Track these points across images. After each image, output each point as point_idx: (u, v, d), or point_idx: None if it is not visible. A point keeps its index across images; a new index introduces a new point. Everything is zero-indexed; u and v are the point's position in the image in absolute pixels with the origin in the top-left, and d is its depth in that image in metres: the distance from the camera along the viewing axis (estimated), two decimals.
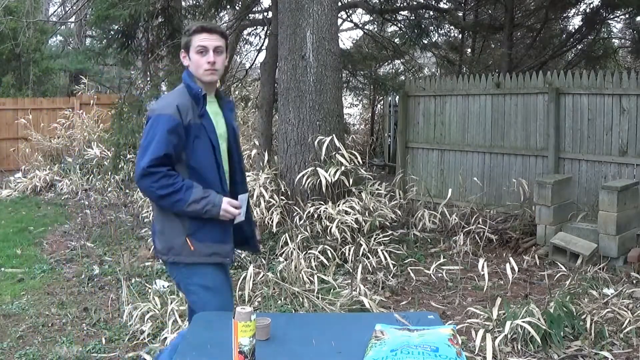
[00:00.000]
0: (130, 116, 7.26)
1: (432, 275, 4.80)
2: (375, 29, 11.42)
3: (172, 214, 2.33)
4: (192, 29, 2.39)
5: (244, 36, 11.42)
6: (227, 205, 2.30)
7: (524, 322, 3.43)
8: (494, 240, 5.72)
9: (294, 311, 3.92)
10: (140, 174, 2.26)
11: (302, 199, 5.55)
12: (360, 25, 11.52)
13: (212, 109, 2.44)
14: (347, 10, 10.21)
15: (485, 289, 4.44)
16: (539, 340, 3.37)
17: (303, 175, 5.47)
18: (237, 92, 10.78)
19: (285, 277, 4.37)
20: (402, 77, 10.47)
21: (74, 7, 15.08)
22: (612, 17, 10.16)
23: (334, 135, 5.57)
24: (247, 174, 3.96)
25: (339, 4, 7.79)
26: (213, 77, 2.41)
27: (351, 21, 11.64)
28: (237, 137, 2.53)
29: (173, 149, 2.27)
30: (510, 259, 4.41)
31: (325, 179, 5.29)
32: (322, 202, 5.37)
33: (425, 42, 9.48)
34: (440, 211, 6.17)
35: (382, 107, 12.91)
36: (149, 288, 4.39)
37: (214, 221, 2.33)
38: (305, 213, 5.31)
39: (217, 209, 2.27)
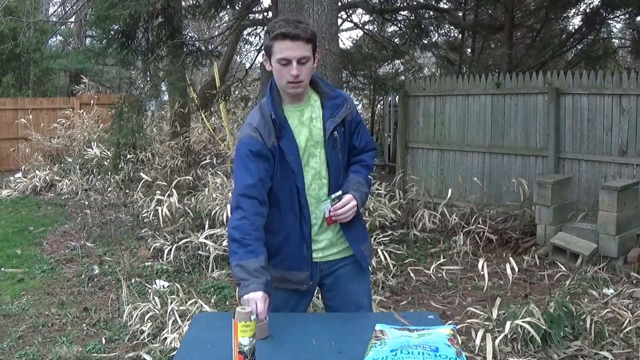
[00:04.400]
0: (130, 116, 7.25)
1: (432, 275, 4.81)
2: (375, 29, 11.42)
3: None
4: (273, 34, 2.03)
5: (244, 36, 11.44)
6: (253, 300, 1.89)
7: (524, 322, 3.43)
8: (494, 240, 5.72)
9: None
10: (232, 206, 2.08)
11: None
12: (360, 25, 11.54)
13: (301, 117, 2.17)
14: (347, 10, 10.22)
15: (485, 289, 4.44)
16: (539, 340, 3.38)
17: None
18: (237, 92, 10.79)
19: None
20: (402, 77, 10.48)
21: (74, 7, 15.11)
22: (612, 17, 10.16)
23: None
24: None
25: (339, 4, 7.78)
26: (297, 90, 2.09)
27: (351, 21, 11.67)
28: (344, 139, 2.19)
29: (264, 175, 2.06)
30: (510, 259, 4.41)
31: None
32: None
33: (425, 42, 9.48)
34: (440, 211, 6.17)
35: (382, 107, 12.91)
36: (149, 288, 4.39)
37: (289, 248, 2.16)
38: None
39: (244, 293, 1.93)
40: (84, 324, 4.02)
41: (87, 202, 8.06)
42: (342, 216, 2.12)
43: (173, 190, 6.04)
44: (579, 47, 10.55)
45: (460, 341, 1.78)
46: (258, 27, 10.07)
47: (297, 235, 2.15)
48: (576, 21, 11.60)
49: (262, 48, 2.21)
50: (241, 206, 2.02)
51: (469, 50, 11.54)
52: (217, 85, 9.91)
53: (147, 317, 3.80)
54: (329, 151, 2.16)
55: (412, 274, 4.81)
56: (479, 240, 5.63)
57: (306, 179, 2.15)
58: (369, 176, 2.30)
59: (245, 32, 10.85)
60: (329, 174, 2.17)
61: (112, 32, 7.63)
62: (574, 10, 10.60)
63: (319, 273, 2.24)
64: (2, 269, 5.35)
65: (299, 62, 2.03)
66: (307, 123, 2.17)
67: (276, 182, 2.11)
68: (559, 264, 4.84)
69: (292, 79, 2.05)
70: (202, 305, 3.81)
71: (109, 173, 8.65)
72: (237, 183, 2.07)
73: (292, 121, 2.15)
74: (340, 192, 2.14)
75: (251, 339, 1.65)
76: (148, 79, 8.45)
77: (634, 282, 4.65)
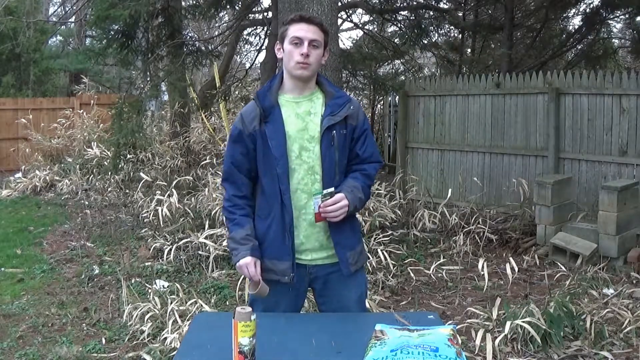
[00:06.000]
0: (130, 116, 7.25)
1: (432, 275, 4.81)
2: (375, 29, 11.42)
3: None
4: (289, 18, 2.18)
5: (244, 36, 11.44)
6: (244, 265, 2.14)
7: (524, 322, 3.43)
8: (494, 240, 5.72)
9: None
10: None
11: None
12: (360, 25, 11.54)
13: (297, 108, 2.20)
14: (347, 10, 10.22)
15: (485, 289, 4.44)
16: (539, 340, 3.37)
17: None
18: (237, 92, 10.79)
19: None
20: (402, 77, 10.48)
21: (74, 7, 15.11)
22: (612, 17, 10.16)
23: None
24: None
25: (339, 4, 7.79)
26: (304, 72, 2.14)
27: (351, 21, 11.67)
28: (343, 140, 2.20)
29: (240, 159, 2.20)
30: (510, 259, 4.41)
31: None
32: None
33: (425, 42, 9.48)
34: (440, 211, 6.16)
35: (382, 107, 12.91)
36: (149, 288, 4.39)
37: (272, 236, 2.19)
38: None
39: (236, 261, 2.17)
40: (84, 324, 4.02)
41: (87, 202, 8.06)
42: (332, 214, 2.11)
43: (173, 190, 6.04)
44: (579, 47, 10.55)
45: (460, 341, 1.78)
46: (258, 27, 10.07)
47: (279, 223, 2.18)
48: (576, 21, 11.60)
49: (278, 38, 2.25)
50: (225, 189, 2.29)
51: (469, 50, 11.54)
52: (217, 85, 9.92)
53: (147, 317, 3.80)
54: (324, 148, 2.17)
55: (412, 274, 4.81)
56: (479, 240, 5.63)
57: (298, 172, 2.18)
58: (369, 186, 2.28)
59: (245, 32, 10.86)
60: (322, 170, 2.18)
61: (112, 32, 7.63)
62: (574, 10, 10.61)
63: (307, 275, 2.24)
64: (2, 269, 5.35)
65: (310, 43, 2.13)
66: (302, 116, 2.20)
67: (260, 167, 2.19)
68: (559, 264, 4.84)
69: (301, 58, 2.12)
70: (202, 305, 3.81)
71: (109, 173, 8.65)
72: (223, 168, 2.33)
73: (286, 110, 2.19)
74: (332, 189, 2.13)
75: (251, 339, 1.65)
76: (148, 79, 8.45)
77: (634, 282, 4.65)
